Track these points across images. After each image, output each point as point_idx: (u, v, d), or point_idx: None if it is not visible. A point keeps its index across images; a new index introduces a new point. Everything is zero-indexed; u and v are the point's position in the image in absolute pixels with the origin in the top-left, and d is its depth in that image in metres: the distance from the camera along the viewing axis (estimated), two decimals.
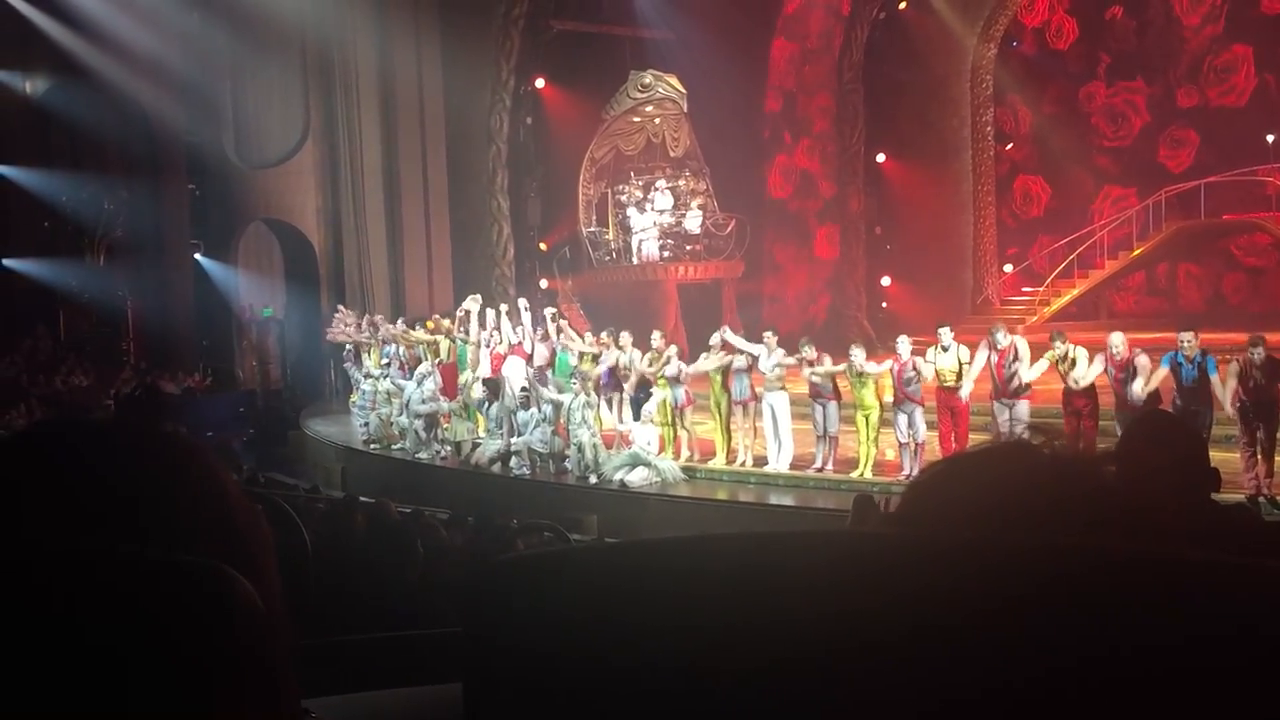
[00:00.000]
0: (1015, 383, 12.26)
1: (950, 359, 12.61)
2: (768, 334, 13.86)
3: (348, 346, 20.57)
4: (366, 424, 17.81)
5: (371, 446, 17.52)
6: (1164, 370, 11.33)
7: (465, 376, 17.13)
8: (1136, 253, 23.72)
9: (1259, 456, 10.85)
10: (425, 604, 4.63)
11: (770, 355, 13.63)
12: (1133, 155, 25.11)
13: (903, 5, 25.28)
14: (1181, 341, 11.23)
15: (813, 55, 25.96)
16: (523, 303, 19.13)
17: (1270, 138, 22.99)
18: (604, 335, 16.28)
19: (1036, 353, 12.56)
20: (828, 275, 26.18)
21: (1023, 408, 12.29)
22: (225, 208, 24.74)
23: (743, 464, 13.99)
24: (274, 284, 25.48)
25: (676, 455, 14.40)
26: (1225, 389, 10.90)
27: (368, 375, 18.45)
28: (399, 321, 19.79)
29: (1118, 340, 11.73)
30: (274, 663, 0.65)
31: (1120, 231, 24.12)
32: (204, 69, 23.48)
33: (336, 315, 21.51)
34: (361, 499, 10.18)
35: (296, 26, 23.27)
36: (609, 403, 15.54)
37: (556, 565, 0.58)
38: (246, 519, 0.79)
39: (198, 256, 25.02)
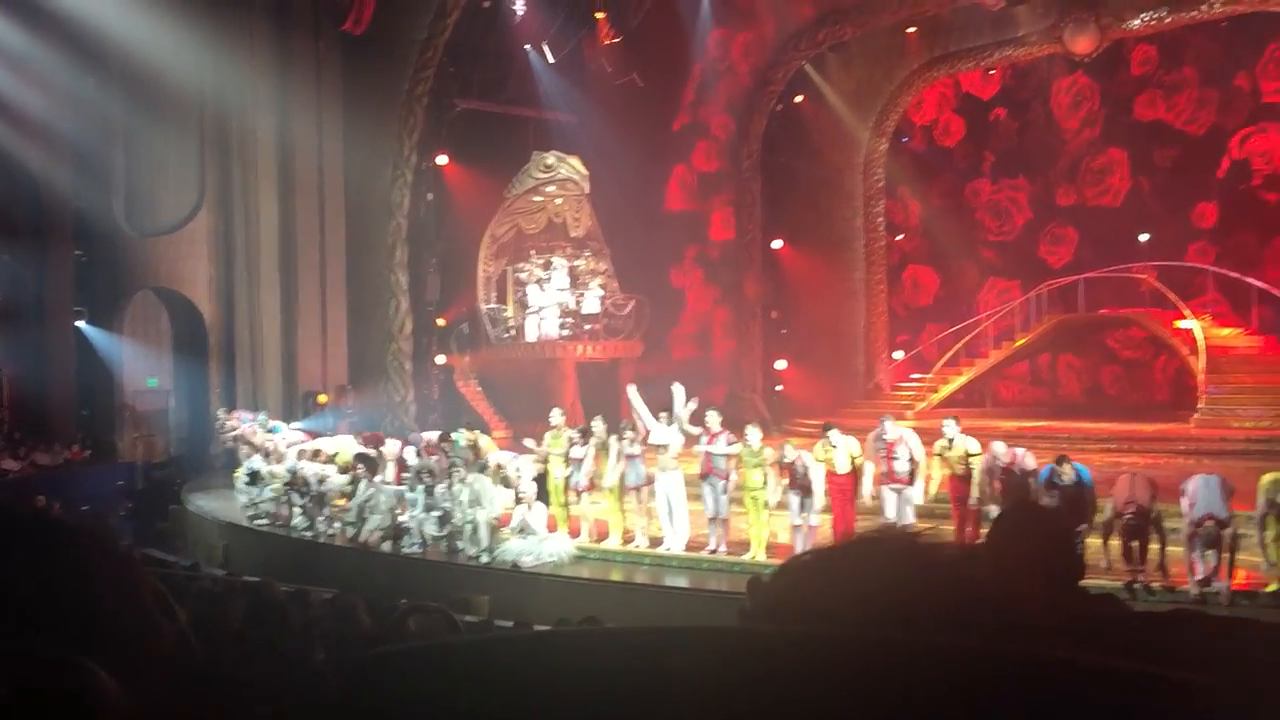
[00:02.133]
0: (904, 469, 12.53)
1: (841, 455, 12.81)
2: (664, 414, 13.91)
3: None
4: (255, 501, 17.30)
5: (257, 523, 17.02)
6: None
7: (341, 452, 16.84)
8: (1019, 343, 24.53)
9: (1135, 551, 11.18)
10: (306, 687, 4.48)
11: (665, 431, 13.67)
12: (1016, 249, 26.12)
13: (799, 99, 26.09)
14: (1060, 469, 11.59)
15: (712, 143, 26.56)
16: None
17: (1143, 237, 24.14)
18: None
19: (927, 438, 12.86)
20: (725, 358, 26.51)
21: (912, 493, 12.50)
22: (112, 275, 24.11)
23: (638, 546, 13.94)
24: (161, 354, 24.81)
25: (574, 535, 14.29)
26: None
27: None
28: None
29: (1000, 449, 12.11)
30: None
31: (1005, 322, 24.95)
32: (96, 134, 23.05)
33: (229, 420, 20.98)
34: (245, 579, 9.89)
35: (195, 95, 23.04)
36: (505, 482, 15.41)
37: (434, 659, 0.58)
38: (120, 607, 0.76)
39: (80, 324, 24.26)
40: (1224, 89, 23.48)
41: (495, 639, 0.59)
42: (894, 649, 0.55)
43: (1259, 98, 23.05)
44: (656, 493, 13.66)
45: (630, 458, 13.87)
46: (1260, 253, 23.09)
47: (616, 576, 13.41)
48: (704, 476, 13.30)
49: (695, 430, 13.55)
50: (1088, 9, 21.89)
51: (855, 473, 12.82)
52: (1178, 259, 23.35)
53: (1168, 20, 21.96)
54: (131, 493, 22.28)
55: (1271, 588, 10.70)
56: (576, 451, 14.35)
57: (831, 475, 12.80)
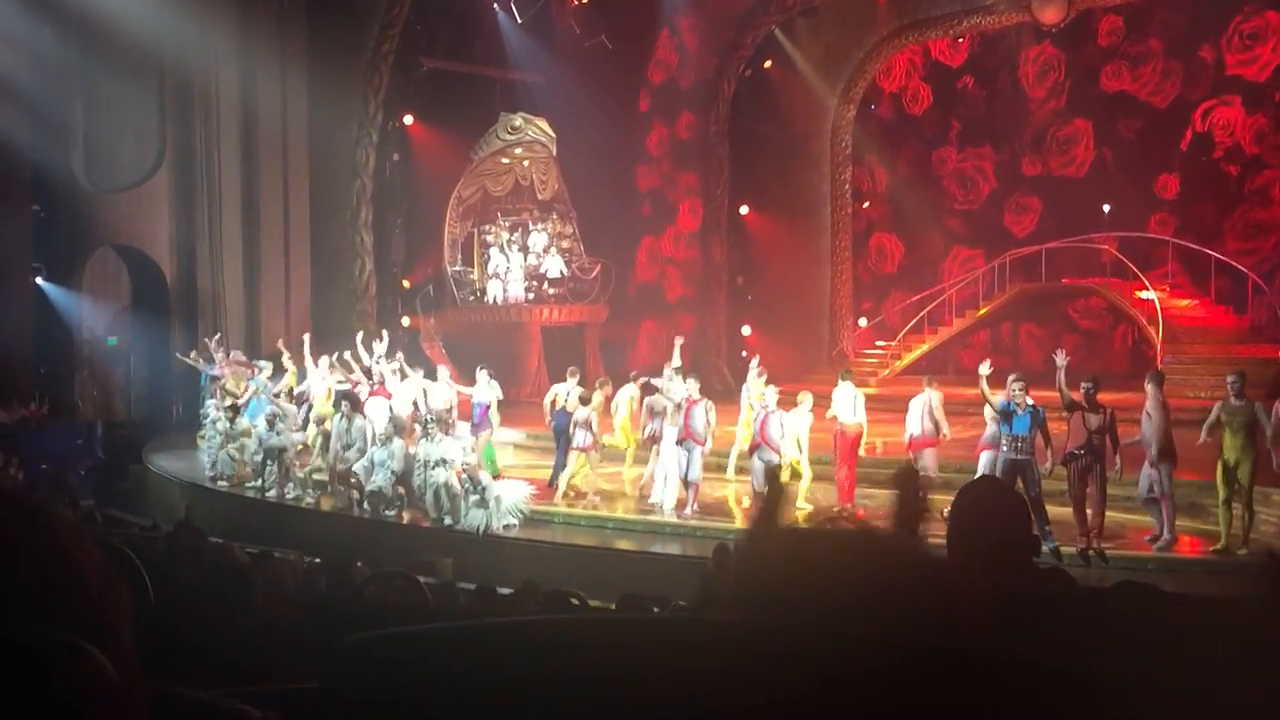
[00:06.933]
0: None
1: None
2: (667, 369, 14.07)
3: (208, 377, 19.87)
4: (215, 461, 17.21)
5: (219, 484, 16.96)
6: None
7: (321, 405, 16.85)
8: (982, 312, 24.75)
9: (1089, 511, 11.28)
10: (265, 651, 4.50)
11: (676, 385, 13.80)
12: (980, 218, 26.27)
13: (768, 64, 26.01)
14: (1012, 389, 11.45)
15: (680, 107, 26.47)
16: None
17: (1106, 208, 24.35)
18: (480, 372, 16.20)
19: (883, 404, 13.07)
20: (690, 322, 26.57)
21: (929, 456, 12.76)
22: (72, 231, 23.71)
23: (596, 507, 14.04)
24: (121, 312, 24.50)
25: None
26: (1052, 449, 11.44)
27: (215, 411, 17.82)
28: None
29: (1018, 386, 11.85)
30: None
31: (968, 291, 25.14)
32: (54, 87, 22.56)
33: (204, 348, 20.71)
34: (210, 539, 9.86)
35: (155, 49, 22.62)
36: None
37: (412, 645, 0.60)
38: (99, 585, 0.78)
39: (39, 280, 23.88)
40: (1188, 61, 23.63)
41: (469, 627, 0.62)
42: (852, 642, 0.59)
43: (1223, 70, 23.23)
44: (662, 453, 13.76)
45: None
46: (1219, 225, 23.37)
47: (582, 540, 13.49)
48: (680, 441, 13.40)
49: (678, 397, 13.66)
50: None
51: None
52: (1139, 230, 23.60)
53: None
54: (92, 451, 22.07)
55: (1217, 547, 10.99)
56: (581, 413, 14.53)
57: (841, 435, 13.14)
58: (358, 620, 5.22)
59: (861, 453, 13.54)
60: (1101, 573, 10.64)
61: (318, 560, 9.96)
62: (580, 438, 14.40)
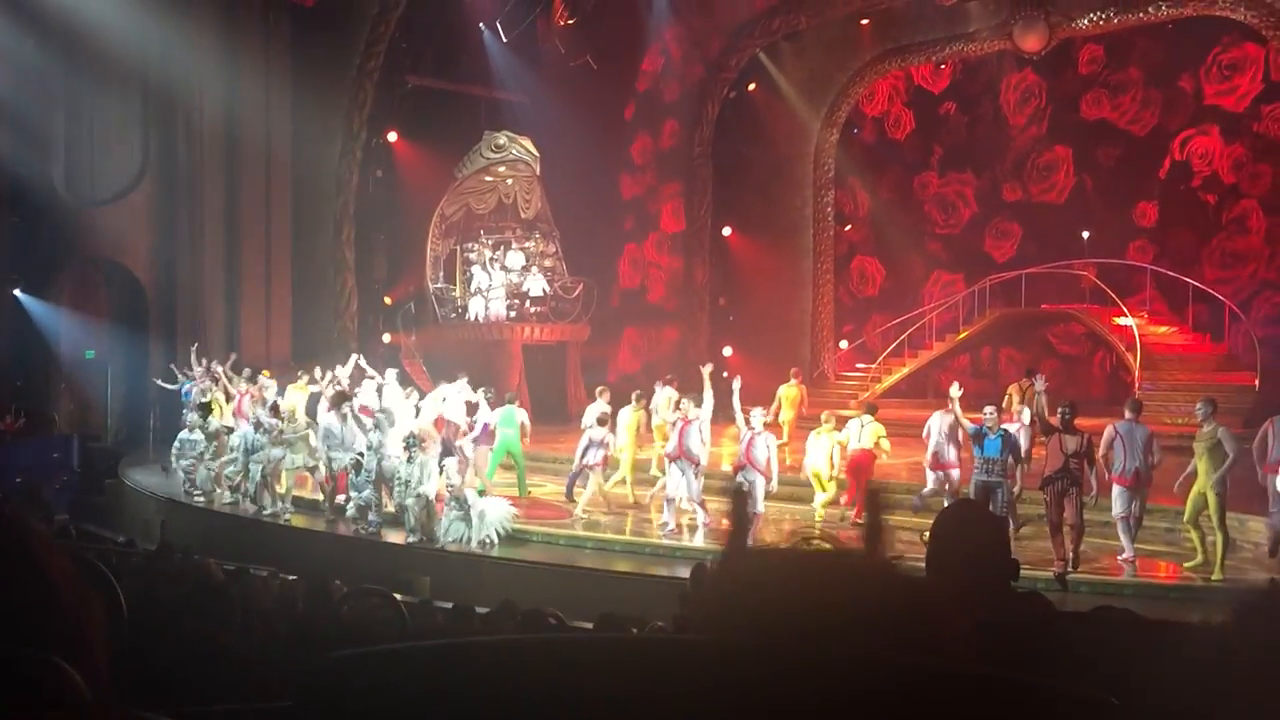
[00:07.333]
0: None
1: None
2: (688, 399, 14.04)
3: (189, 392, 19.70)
4: (192, 476, 17.07)
5: (196, 499, 16.84)
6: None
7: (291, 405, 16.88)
8: (962, 335, 24.87)
9: (1065, 534, 11.27)
10: (241, 670, 4.46)
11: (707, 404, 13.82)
12: (961, 243, 26.44)
13: (752, 87, 26.16)
14: (985, 413, 11.74)
15: (664, 116, 26.58)
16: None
17: (1085, 234, 24.55)
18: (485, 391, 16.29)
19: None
20: (671, 330, 26.63)
21: (954, 477, 12.83)
22: (51, 243, 23.58)
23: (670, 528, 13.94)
24: (100, 326, 24.34)
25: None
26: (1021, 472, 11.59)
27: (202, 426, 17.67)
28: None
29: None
30: None
31: (948, 315, 25.27)
32: (36, 98, 22.47)
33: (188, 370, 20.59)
34: (185, 555, 9.79)
35: (139, 62, 22.57)
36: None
37: (389, 664, 0.60)
38: (73, 601, 0.77)
39: (16, 292, 23.71)
40: (1168, 90, 23.91)
41: (447, 647, 0.61)
42: (831, 663, 0.59)
43: (1201, 100, 23.50)
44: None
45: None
46: (1198, 252, 23.59)
47: (563, 560, 13.43)
48: (674, 459, 13.38)
49: (673, 416, 13.71)
50: (1038, 7, 22.18)
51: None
52: (1118, 257, 23.80)
53: (1115, 21, 22.31)
54: (67, 465, 21.88)
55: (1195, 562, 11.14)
56: (597, 433, 14.65)
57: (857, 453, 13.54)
58: (334, 638, 5.18)
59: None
60: (1078, 598, 10.67)
61: (295, 578, 9.89)
62: (593, 455, 14.56)
